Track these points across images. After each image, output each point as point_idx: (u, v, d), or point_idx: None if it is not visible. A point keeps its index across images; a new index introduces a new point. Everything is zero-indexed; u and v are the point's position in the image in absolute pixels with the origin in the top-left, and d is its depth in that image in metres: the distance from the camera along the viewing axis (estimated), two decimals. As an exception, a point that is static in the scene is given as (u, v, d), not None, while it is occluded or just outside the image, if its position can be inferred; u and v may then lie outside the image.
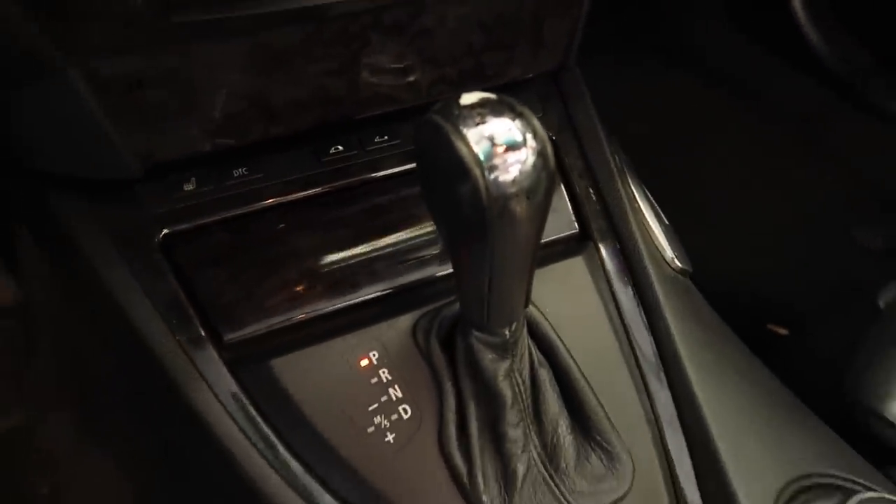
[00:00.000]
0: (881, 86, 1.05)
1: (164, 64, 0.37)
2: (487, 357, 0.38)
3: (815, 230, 1.05)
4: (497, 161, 0.31)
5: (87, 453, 0.73)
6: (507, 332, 0.38)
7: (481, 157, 0.31)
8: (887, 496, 0.37)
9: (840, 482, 0.38)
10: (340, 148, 0.48)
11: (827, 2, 1.07)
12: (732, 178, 1.05)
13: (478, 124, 0.31)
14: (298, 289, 0.44)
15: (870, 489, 0.38)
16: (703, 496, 0.38)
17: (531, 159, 0.32)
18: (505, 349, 0.38)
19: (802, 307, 0.95)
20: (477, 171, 0.31)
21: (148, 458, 0.56)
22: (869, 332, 0.61)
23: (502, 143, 0.31)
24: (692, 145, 1.05)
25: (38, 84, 0.37)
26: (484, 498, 0.38)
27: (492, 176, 0.31)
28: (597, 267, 0.47)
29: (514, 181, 0.31)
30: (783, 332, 0.93)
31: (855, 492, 0.37)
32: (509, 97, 0.32)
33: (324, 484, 0.38)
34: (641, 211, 0.50)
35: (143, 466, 0.59)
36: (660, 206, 0.56)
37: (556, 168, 0.33)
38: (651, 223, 0.50)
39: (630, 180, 0.51)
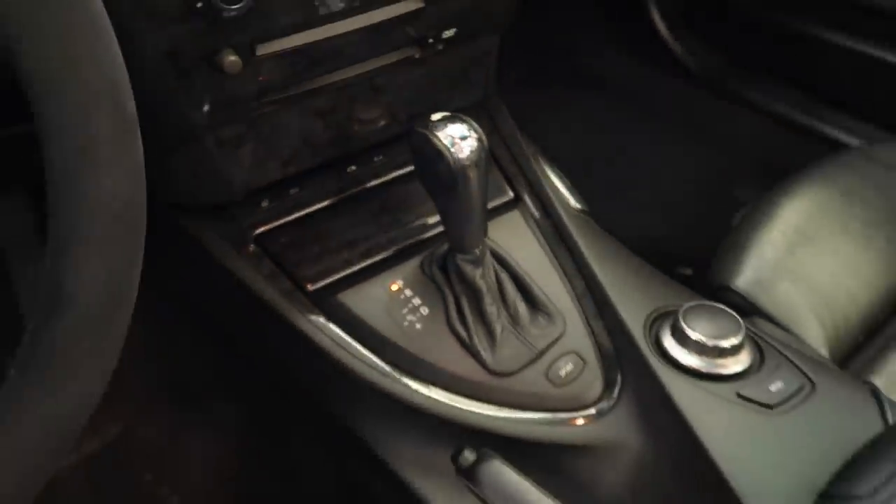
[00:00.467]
0: (733, 78, 1.37)
1: (257, 127, 0.64)
2: (468, 268, 0.65)
3: (707, 195, 1.34)
4: (457, 147, 0.58)
5: (181, 443, 0.96)
6: (477, 252, 0.64)
7: (448, 145, 0.58)
8: (707, 303, 0.64)
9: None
10: (354, 167, 0.75)
11: (681, 16, 1.40)
12: (636, 163, 1.34)
13: (444, 128, 0.58)
14: (344, 253, 0.70)
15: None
16: (603, 324, 0.65)
17: (475, 144, 0.59)
18: (477, 262, 0.65)
19: (701, 252, 1.23)
20: (447, 154, 0.58)
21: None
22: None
23: (458, 137, 0.58)
24: (598, 143, 1.34)
25: (185, 147, 0.63)
26: (479, 347, 0.63)
27: (456, 155, 0.58)
28: (527, 215, 0.74)
29: (467, 157, 0.58)
30: (689, 272, 1.21)
31: (691, 309, 0.64)
32: (457, 114, 0.60)
33: (381, 356, 0.64)
34: (551, 180, 0.78)
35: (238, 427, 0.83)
36: (577, 186, 0.84)
37: (489, 150, 0.60)
38: (560, 187, 0.78)
39: (542, 162, 0.80)
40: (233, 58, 0.54)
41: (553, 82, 1.37)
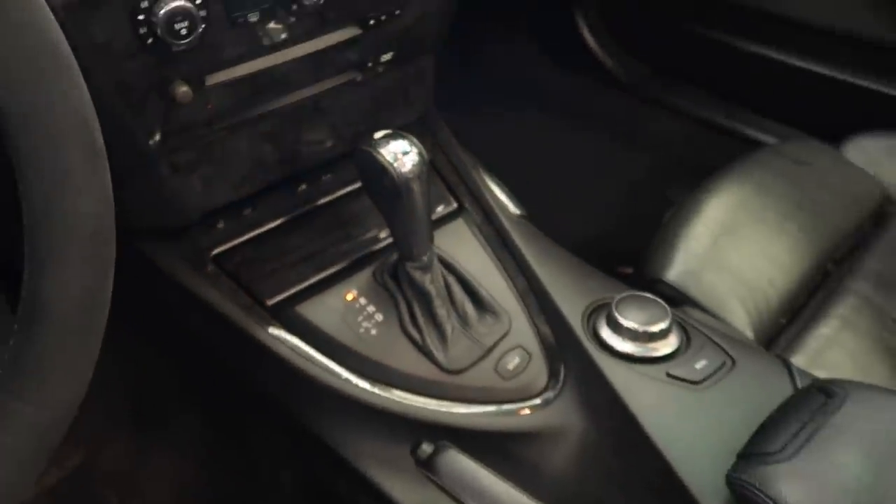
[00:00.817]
0: (658, 85, 1.46)
1: (208, 152, 0.67)
2: (417, 274, 0.69)
3: (642, 196, 1.42)
4: (399, 162, 0.63)
5: (146, 463, 0.97)
6: (424, 259, 0.69)
7: (391, 160, 0.62)
8: (637, 293, 0.70)
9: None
10: (305, 186, 0.79)
11: (607, 29, 1.48)
12: (572, 169, 1.41)
13: (386, 145, 0.63)
14: (300, 268, 0.73)
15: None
16: (546, 319, 0.70)
17: (416, 158, 0.63)
18: (425, 268, 0.69)
19: (639, 251, 1.30)
20: (391, 169, 0.62)
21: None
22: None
23: (400, 152, 0.63)
24: (535, 151, 1.41)
25: (139, 173, 0.66)
26: (431, 347, 0.68)
27: (399, 170, 0.62)
28: (470, 222, 0.79)
29: (410, 171, 0.63)
30: (629, 270, 1.28)
31: (624, 301, 0.70)
32: (399, 131, 0.65)
33: (339, 362, 0.68)
34: (491, 188, 0.83)
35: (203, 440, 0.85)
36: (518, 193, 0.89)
37: (430, 163, 0.65)
38: (499, 194, 0.83)
39: (482, 171, 0.85)
40: (184, 88, 0.57)
41: (490, 95, 1.44)
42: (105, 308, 0.38)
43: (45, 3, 0.36)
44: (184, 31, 0.53)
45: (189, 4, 0.54)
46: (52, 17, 0.36)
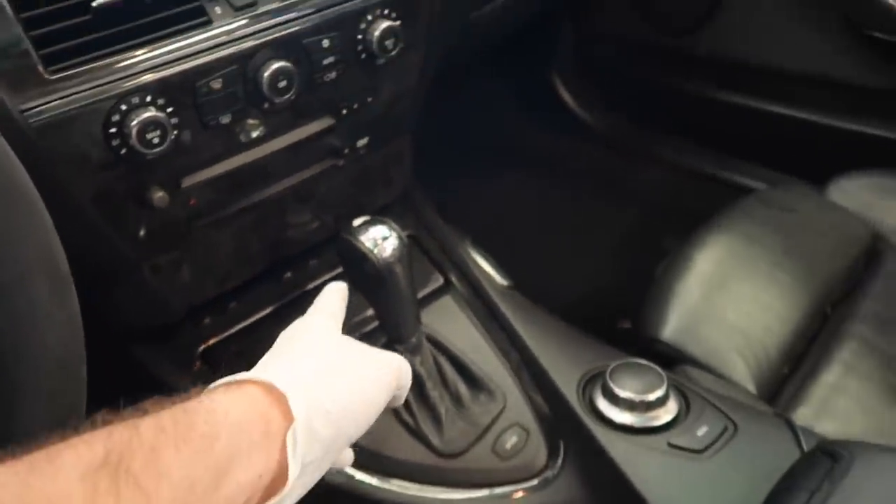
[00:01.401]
0: (639, 139, 1.48)
1: (191, 250, 0.68)
2: (406, 357, 0.68)
3: (635, 248, 1.42)
4: (379, 248, 0.62)
5: None
6: (413, 340, 0.68)
7: (371, 247, 0.62)
8: (632, 360, 0.69)
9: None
10: (290, 273, 0.79)
11: (583, 86, 1.51)
12: (564, 229, 1.42)
13: (365, 232, 0.63)
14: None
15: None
16: (541, 394, 0.69)
17: (396, 243, 0.63)
18: (415, 350, 0.68)
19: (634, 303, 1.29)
20: (371, 255, 0.62)
21: None
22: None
23: (380, 238, 0.63)
24: (523, 214, 1.42)
25: (122, 278, 0.66)
26: (426, 432, 0.66)
27: (380, 255, 0.62)
28: (458, 298, 0.79)
29: (391, 255, 0.63)
30: (628, 324, 1.27)
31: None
32: (376, 216, 0.65)
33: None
34: (477, 261, 0.83)
35: None
36: (502, 259, 0.89)
37: (416, 241, 0.65)
38: (486, 267, 0.83)
39: (468, 245, 0.85)
40: (160, 194, 0.58)
41: (474, 161, 1.45)
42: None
43: (4, 142, 0.36)
44: (156, 140, 0.54)
45: (160, 114, 0.54)
46: (11, 153, 0.37)
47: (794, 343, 0.89)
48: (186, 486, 0.32)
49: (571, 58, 1.53)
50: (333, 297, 0.55)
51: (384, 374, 0.47)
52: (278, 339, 0.49)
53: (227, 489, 0.34)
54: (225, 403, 0.37)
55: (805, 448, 0.58)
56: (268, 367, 0.44)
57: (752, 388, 0.83)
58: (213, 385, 0.40)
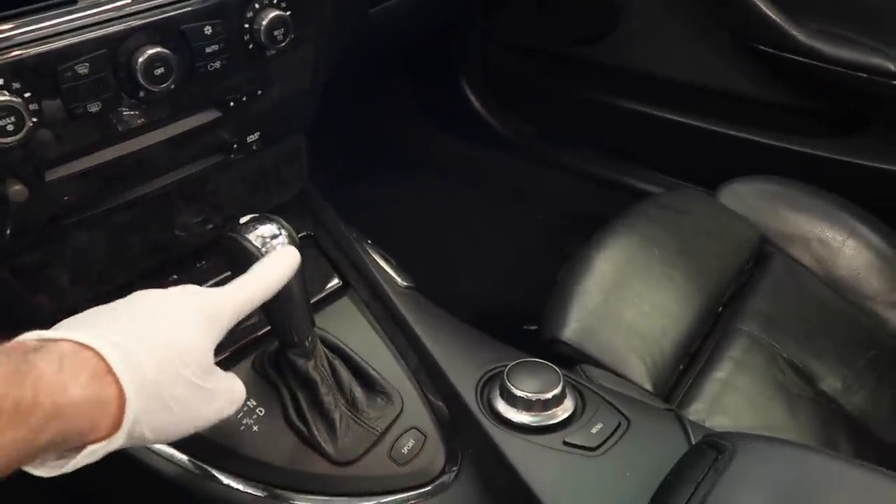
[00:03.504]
0: (544, 146, 1.50)
1: (57, 251, 0.62)
2: (300, 361, 0.65)
3: (541, 253, 1.43)
4: (268, 247, 0.59)
5: None
6: (306, 343, 0.65)
7: (259, 245, 0.59)
8: (529, 359, 0.68)
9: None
10: (176, 276, 0.74)
11: (493, 96, 1.52)
12: (470, 233, 1.42)
13: (253, 230, 0.59)
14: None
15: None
16: (439, 396, 0.67)
17: (286, 241, 0.60)
18: (308, 354, 0.65)
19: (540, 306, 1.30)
20: (259, 255, 0.59)
21: None
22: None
23: (269, 236, 0.60)
24: (431, 220, 1.41)
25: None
26: (319, 440, 0.63)
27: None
28: (356, 299, 0.76)
29: (279, 255, 0.60)
30: (534, 327, 1.28)
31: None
32: (264, 213, 0.61)
33: (220, 468, 0.62)
34: (377, 261, 0.81)
35: None
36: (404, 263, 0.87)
37: (304, 242, 0.62)
38: (385, 267, 0.81)
39: (366, 245, 0.82)
40: (17, 187, 0.53)
41: (378, 164, 1.44)
42: None
43: None
44: (10, 128, 0.49)
45: (16, 99, 0.50)
46: None
47: (688, 341, 0.92)
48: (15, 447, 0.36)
49: (479, 64, 1.54)
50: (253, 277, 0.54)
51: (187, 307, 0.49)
52: None
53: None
54: (57, 381, 0.39)
55: (693, 441, 0.59)
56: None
57: (648, 386, 0.84)
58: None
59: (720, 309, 0.97)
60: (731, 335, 0.92)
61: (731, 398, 0.85)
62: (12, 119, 0.49)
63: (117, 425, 0.41)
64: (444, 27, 1.40)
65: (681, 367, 0.91)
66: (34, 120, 0.51)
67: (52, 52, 0.51)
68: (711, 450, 0.53)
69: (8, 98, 0.49)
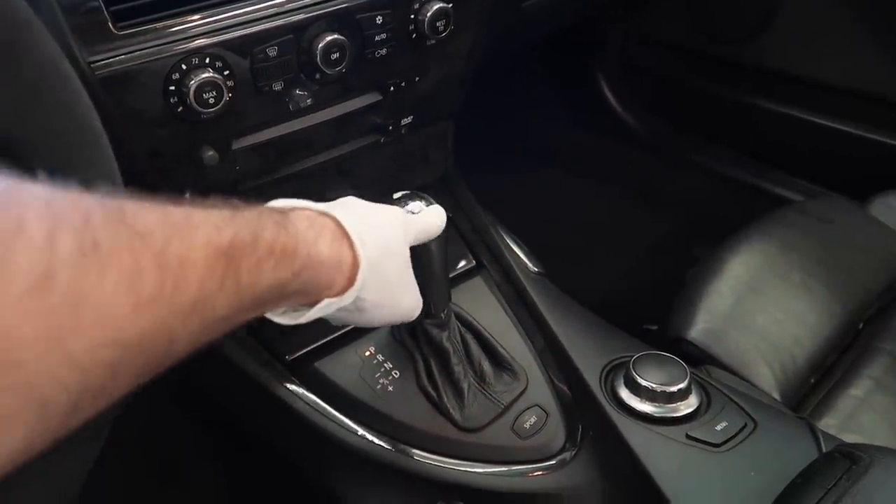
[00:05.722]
0: (681, 146, 1.47)
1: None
2: (434, 332, 0.70)
3: (667, 253, 1.41)
4: (418, 220, 0.64)
5: None
6: (442, 315, 0.69)
7: (408, 220, 0.64)
8: (655, 352, 0.69)
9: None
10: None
11: (628, 90, 1.51)
12: (597, 228, 1.42)
13: (404, 205, 0.64)
14: (318, 324, 0.74)
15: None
16: (563, 378, 0.70)
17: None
18: (443, 326, 0.70)
19: (665, 309, 1.29)
20: (408, 229, 0.64)
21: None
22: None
23: (419, 211, 0.65)
24: (559, 211, 1.42)
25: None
26: (448, 405, 0.68)
27: (416, 229, 0.64)
28: (489, 280, 0.80)
29: (426, 230, 0.64)
30: (654, 328, 1.27)
31: (641, 360, 0.69)
32: (417, 191, 0.66)
33: (355, 419, 0.68)
34: (510, 245, 0.84)
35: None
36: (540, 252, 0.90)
37: (450, 222, 0.66)
38: (518, 252, 0.84)
39: (501, 230, 0.86)
40: (210, 153, 0.60)
41: (515, 156, 1.46)
42: None
43: (80, 85, 0.39)
44: (211, 101, 0.57)
45: (217, 76, 0.57)
46: (87, 96, 0.39)
47: (824, 354, 0.89)
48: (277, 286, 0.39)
49: (618, 60, 1.53)
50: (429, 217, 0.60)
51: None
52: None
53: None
54: (309, 235, 0.43)
55: (825, 450, 0.58)
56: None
57: (776, 394, 0.82)
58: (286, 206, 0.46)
59: (861, 325, 0.93)
60: (871, 353, 0.88)
61: (867, 417, 0.82)
62: (213, 94, 0.57)
63: (349, 285, 0.45)
64: (586, 20, 1.40)
65: (812, 379, 0.88)
66: (229, 95, 0.58)
67: (250, 36, 0.58)
68: (845, 459, 0.52)
69: (212, 75, 0.56)
